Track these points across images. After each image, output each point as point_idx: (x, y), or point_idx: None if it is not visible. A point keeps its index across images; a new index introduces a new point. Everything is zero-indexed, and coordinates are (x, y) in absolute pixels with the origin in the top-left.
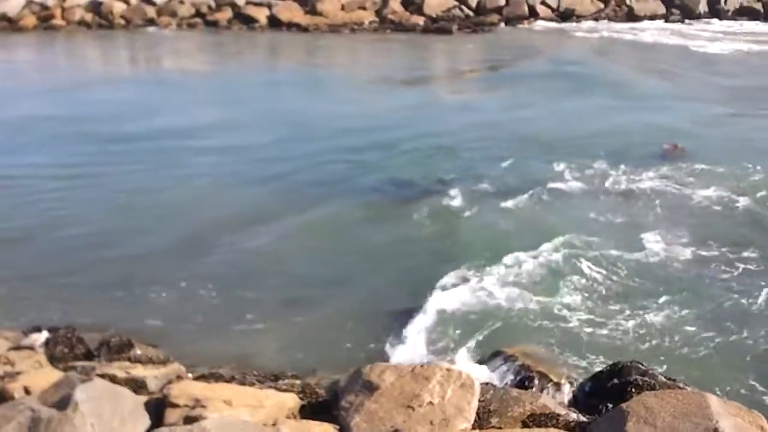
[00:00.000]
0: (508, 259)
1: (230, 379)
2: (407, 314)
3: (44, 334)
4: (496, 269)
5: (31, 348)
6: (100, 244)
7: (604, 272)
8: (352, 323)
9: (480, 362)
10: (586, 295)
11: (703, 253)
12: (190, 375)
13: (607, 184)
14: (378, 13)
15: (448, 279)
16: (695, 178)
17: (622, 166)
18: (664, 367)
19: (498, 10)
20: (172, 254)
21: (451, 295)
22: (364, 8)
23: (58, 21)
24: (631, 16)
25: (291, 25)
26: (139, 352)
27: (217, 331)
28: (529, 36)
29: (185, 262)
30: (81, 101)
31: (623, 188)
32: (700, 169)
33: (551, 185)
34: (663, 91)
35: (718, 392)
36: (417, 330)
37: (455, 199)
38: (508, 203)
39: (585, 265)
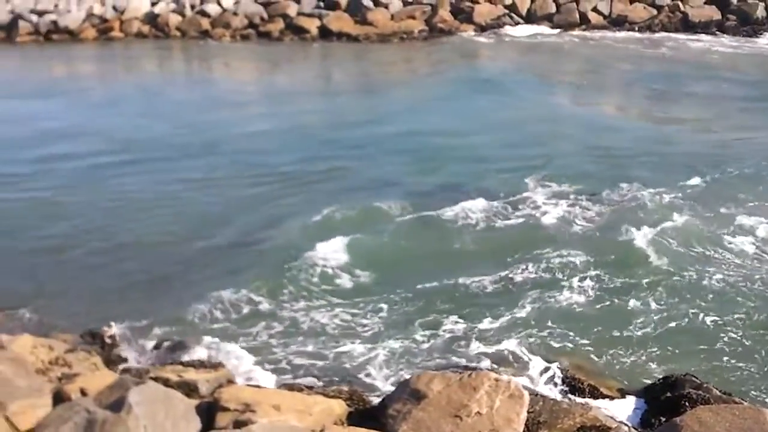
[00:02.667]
0: None
1: (279, 385)
2: None
3: (114, 328)
4: None
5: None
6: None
7: None
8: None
9: (530, 373)
10: None
11: None
12: (239, 379)
13: None
14: (427, 21)
15: None
16: None
17: None
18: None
19: (549, 17)
20: None
21: None
22: (413, 17)
23: (116, 33)
24: (686, 23)
25: (341, 35)
26: (191, 356)
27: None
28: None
29: None
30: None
31: None
32: None
33: None
34: None
35: None
36: None
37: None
38: None
39: None
